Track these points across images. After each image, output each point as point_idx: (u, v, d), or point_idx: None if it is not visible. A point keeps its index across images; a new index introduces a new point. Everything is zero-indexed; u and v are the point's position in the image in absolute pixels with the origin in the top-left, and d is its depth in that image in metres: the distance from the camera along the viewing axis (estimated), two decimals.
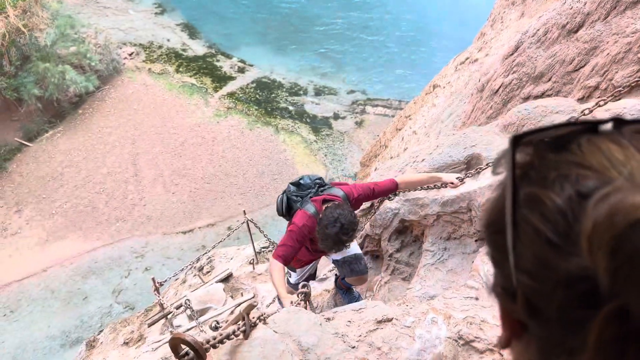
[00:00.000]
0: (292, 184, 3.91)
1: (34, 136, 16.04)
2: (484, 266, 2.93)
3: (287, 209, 3.84)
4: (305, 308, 3.54)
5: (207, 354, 1.96)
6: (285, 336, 2.43)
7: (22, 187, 14.76)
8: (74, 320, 12.23)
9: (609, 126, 0.49)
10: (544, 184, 0.46)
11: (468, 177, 3.54)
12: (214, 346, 2.03)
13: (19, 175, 15.06)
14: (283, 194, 3.85)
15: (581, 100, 3.59)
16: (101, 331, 6.67)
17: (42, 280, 13.05)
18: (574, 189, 0.43)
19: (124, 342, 5.76)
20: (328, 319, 2.81)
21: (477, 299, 2.73)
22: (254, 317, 2.40)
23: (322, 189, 3.79)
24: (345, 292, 4.62)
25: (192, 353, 1.89)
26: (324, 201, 3.65)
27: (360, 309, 2.71)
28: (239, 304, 5.26)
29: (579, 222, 0.41)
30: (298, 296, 3.40)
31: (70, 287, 12.91)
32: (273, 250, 3.82)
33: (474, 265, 3.00)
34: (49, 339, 11.93)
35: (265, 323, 2.52)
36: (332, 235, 3.30)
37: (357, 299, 4.52)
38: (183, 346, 1.88)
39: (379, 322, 2.59)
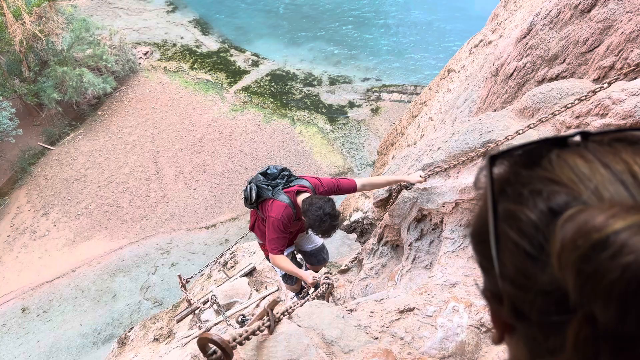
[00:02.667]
0: (260, 173, 4.07)
1: (56, 140, 16.36)
2: None
3: (256, 197, 3.99)
4: (328, 300, 3.60)
5: (233, 351, 2.01)
6: (309, 330, 2.48)
7: (48, 190, 15.09)
8: (104, 318, 12.51)
9: (577, 139, 0.52)
10: (519, 200, 0.49)
11: (430, 174, 3.79)
12: (240, 343, 2.08)
13: (43, 179, 15.39)
14: (250, 183, 4.00)
15: (596, 80, 3.55)
16: (132, 328, 6.82)
17: (71, 280, 13.36)
18: (545, 205, 0.47)
19: (154, 339, 5.90)
20: (350, 311, 2.86)
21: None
22: (278, 313, 2.45)
23: (290, 179, 3.99)
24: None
25: (219, 351, 1.94)
26: (298, 192, 3.87)
27: (382, 299, 2.74)
28: (264, 297, 5.35)
29: (549, 241, 0.45)
30: (322, 286, 3.51)
31: (99, 286, 13.21)
32: (266, 245, 3.97)
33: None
34: (82, 336, 12.23)
35: (289, 317, 2.57)
36: (326, 222, 3.55)
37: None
38: (210, 345, 1.94)
39: (401, 312, 2.61)
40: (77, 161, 15.81)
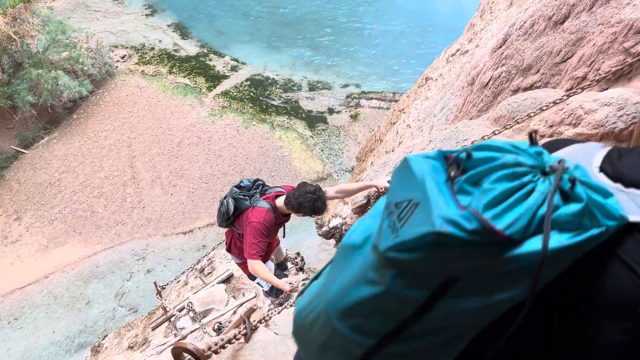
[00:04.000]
0: (235, 186, 4.20)
1: (30, 143, 16.03)
2: None
3: (234, 211, 4.09)
4: None
5: (209, 359, 2.00)
6: (287, 337, 2.47)
7: (20, 195, 14.77)
8: (78, 325, 12.27)
9: None
10: None
11: None
12: (216, 352, 2.07)
13: (16, 183, 15.07)
14: (225, 199, 4.08)
15: (569, 90, 3.62)
16: (106, 336, 6.70)
17: (44, 287, 13.08)
18: None
19: (129, 346, 5.79)
20: None
21: None
22: (254, 321, 2.43)
23: (265, 188, 4.16)
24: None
25: None
26: (276, 196, 4.04)
27: None
28: (241, 304, 5.30)
29: None
30: (296, 290, 3.54)
31: (72, 293, 12.95)
32: (245, 254, 4.00)
33: None
34: (54, 345, 11.97)
35: (267, 325, 2.56)
36: (319, 200, 3.78)
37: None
38: (185, 354, 1.92)
39: None
40: (51, 165, 15.52)
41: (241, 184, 4.12)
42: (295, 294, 3.67)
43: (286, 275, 5.49)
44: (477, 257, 0.72)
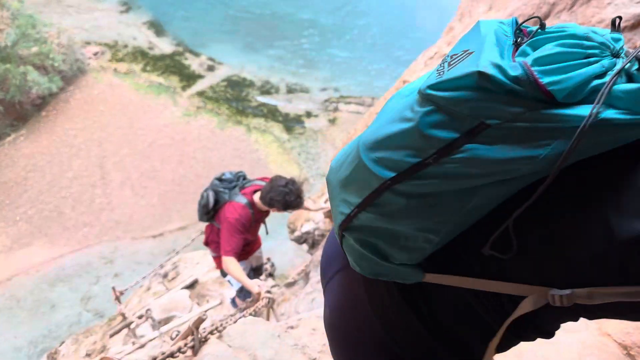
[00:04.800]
0: (216, 178, 4.06)
1: None
2: None
3: (214, 204, 3.95)
4: (268, 316, 3.40)
5: None
6: (240, 350, 2.25)
7: None
8: (41, 330, 11.82)
9: None
10: None
11: None
12: None
13: None
14: (206, 191, 3.97)
15: None
16: (63, 342, 6.38)
17: (7, 290, 12.60)
18: None
19: (86, 354, 5.47)
20: (291, 327, 2.63)
21: None
22: (204, 331, 2.21)
23: (245, 182, 4.06)
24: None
25: None
26: (255, 192, 3.94)
27: None
28: (205, 311, 5.06)
29: None
30: (262, 300, 3.37)
31: (37, 296, 12.49)
32: (220, 250, 3.83)
33: None
34: (15, 350, 11.52)
35: (220, 336, 2.33)
36: (291, 194, 3.70)
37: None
38: None
39: None
40: (17, 164, 15.01)
41: (223, 177, 4.00)
42: (262, 301, 3.46)
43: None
44: (514, 107, 0.72)
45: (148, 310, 4.76)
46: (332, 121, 17.33)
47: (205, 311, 4.98)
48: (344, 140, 15.91)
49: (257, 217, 3.97)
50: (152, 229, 13.67)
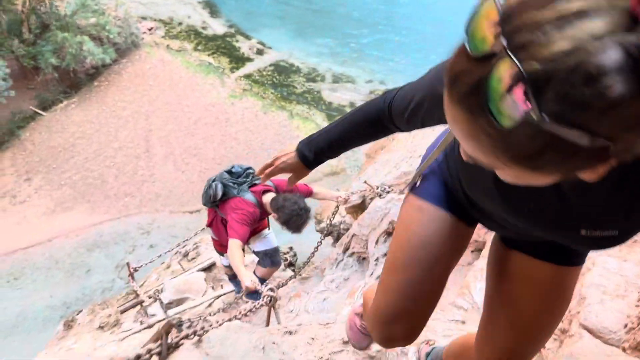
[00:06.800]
0: (226, 171, 4.08)
1: (49, 105, 16.02)
2: (476, 283, 2.66)
3: (221, 196, 3.98)
4: (269, 317, 3.35)
5: None
6: None
7: (34, 156, 14.78)
8: (75, 292, 12.22)
9: None
10: None
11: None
12: None
13: (31, 144, 15.08)
14: (214, 181, 3.98)
15: None
16: (80, 311, 6.51)
17: (47, 250, 13.07)
18: None
19: (100, 326, 5.54)
20: (289, 332, 2.48)
21: (463, 322, 2.42)
22: (177, 336, 2.09)
23: (254, 178, 4.05)
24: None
25: None
26: (264, 192, 3.96)
27: (328, 323, 2.41)
28: (218, 296, 5.07)
29: None
30: (263, 298, 3.32)
31: (74, 259, 12.92)
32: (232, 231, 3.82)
33: (465, 281, 2.73)
34: (50, 308, 11.94)
35: (199, 341, 2.18)
36: (301, 216, 3.71)
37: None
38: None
39: (345, 343, 2.22)
40: (67, 130, 15.50)
41: (232, 170, 4.01)
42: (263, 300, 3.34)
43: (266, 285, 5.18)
44: None
45: (156, 291, 4.84)
46: None
47: (218, 297, 5.00)
48: None
49: (263, 215, 4.06)
50: (190, 204, 13.89)
